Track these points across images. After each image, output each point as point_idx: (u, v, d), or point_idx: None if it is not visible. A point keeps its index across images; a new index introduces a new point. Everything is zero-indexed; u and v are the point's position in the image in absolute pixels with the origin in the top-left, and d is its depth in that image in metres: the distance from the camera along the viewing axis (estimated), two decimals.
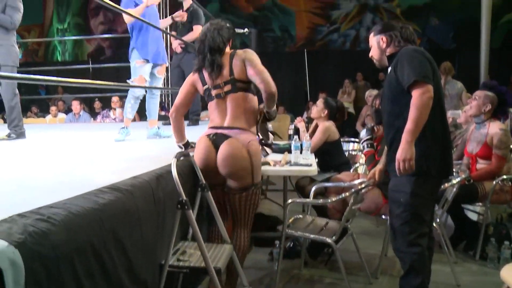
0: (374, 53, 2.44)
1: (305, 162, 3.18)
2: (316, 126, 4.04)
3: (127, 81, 4.08)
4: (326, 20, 11.18)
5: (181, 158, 2.06)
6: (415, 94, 2.07)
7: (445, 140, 2.28)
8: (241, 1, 11.49)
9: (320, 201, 3.22)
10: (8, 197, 1.64)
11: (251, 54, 2.46)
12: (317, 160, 3.74)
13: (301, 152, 3.25)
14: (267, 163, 3.06)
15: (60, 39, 12.64)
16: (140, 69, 3.98)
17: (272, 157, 3.35)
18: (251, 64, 2.40)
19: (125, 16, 3.85)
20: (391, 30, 2.36)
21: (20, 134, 4.05)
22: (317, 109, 4.01)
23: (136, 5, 3.93)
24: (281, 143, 4.16)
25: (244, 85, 2.42)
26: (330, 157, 3.89)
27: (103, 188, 1.58)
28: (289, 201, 2.98)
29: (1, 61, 3.88)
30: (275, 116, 2.55)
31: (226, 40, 2.49)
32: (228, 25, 2.57)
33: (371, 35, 2.44)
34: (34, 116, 8.28)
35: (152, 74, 4.09)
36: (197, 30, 5.05)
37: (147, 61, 3.99)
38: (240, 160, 2.36)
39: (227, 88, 2.41)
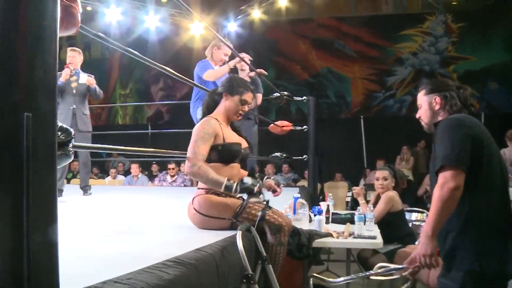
0: (424, 115, 2.11)
1: (369, 234, 3.06)
2: (379, 196, 3.87)
3: None
4: (381, 86, 11.14)
5: (244, 230, 1.98)
6: (438, 182, 1.82)
7: (507, 228, 1.88)
8: (297, 69, 11.71)
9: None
10: (68, 268, 1.59)
11: (195, 126, 2.50)
12: (379, 231, 3.58)
13: (364, 223, 3.14)
14: (330, 234, 2.96)
15: (122, 104, 13.30)
16: None
17: (334, 227, 3.25)
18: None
19: (208, 75, 4.30)
20: (447, 90, 2.04)
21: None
22: (386, 183, 3.80)
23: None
24: (342, 213, 4.05)
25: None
26: (394, 228, 3.67)
27: (167, 261, 1.50)
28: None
29: (85, 127, 4.72)
30: (253, 186, 2.34)
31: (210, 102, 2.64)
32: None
33: (421, 93, 2.12)
34: (95, 177, 8.54)
35: None
36: (258, 97, 5.12)
37: None
38: (193, 219, 2.42)
39: None
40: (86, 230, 2.51)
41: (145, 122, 12.91)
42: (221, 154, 2.44)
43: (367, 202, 3.92)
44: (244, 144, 2.62)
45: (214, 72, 4.37)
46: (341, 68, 11.40)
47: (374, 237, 2.99)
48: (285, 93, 5.38)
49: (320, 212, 3.24)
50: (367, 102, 11.18)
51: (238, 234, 1.77)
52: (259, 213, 2.27)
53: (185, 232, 2.34)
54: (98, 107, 13.50)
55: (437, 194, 1.80)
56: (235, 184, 2.30)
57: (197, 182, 2.54)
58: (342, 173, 8.81)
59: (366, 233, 3.07)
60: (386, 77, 11.12)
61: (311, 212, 3.43)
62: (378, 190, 3.88)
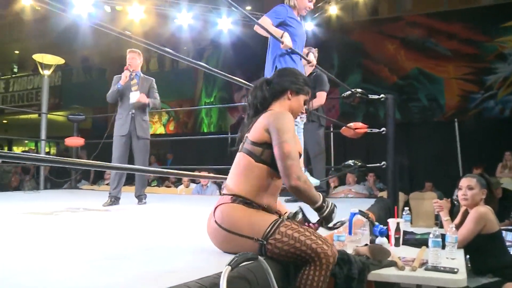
0: None
1: (449, 264, 2.34)
2: (466, 213, 3.14)
3: None
4: (480, 86, 10.00)
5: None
6: None
7: None
8: (384, 71, 10.97)
9: None
10: None
11: (278, 118, 1.98)
12: (468, 257, 2.90)
13: (443, 248, 2.45)
14: (393, 263, 2.31)
15: (205, 107, 13.67)
16: None
17: (405, 252, 2.58)
18: (275, 131, 1.96)
19: (262, 21, 3.46)
20: None
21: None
22: (472, 193, 3.04)
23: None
24: (421, 231, 3.24)
25: (255, 148, 1.98)
26: (487, 255, 2.88)
27: None
28: None
29: (144, 134, 4.60)
30: (328, 211, 1.96)
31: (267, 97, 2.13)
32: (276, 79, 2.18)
33: None
34: (172, 185, 8.54)
35: None
36: (321, 96, 4.66)
37: None
38: (213, 235, 1.97)
39: (241, 145, 2.08)
40: (80, 250, 2.28)
41: (228, 130, 12.90)
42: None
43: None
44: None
45: (267, 25, 3.42)
46: (433, 68, 10.45)
47: (455, 271, 2.22)
48: (359, 90, 4.85)
49: (382, 233, 2.65)
50: (463, 104, 10.09)
51: (224, 272, 1.36)
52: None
53: (200, 258, 1.96)
54: (184, 115, 14.04)
55: None
56: (331, 205, 1.99)
57: None
58: (432, 183, 7.95)
59: (445, 262, 2.37)
60: (485, 76, 9.95)
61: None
62: (462, 202, 3.21)
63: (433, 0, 10.82)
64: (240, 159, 2.01)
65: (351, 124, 5.03)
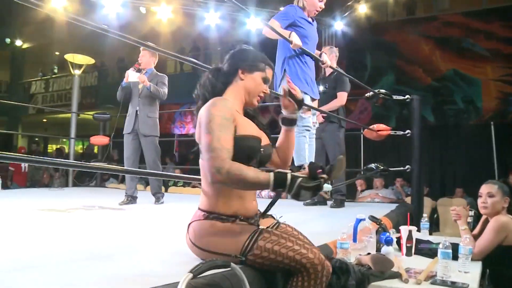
0: None
1: (460, 279, 2.15)
2: (486, 222, 2.97)
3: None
4: None
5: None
6: None
7: None
8: (418, 72, 10.61)
9: None
10: None
11: (204, 108, 1.78)
12: (488, 272, 2.69)
13: (456, 259, 2.28)
14: (397, 275, 2.15)
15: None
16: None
17: (414, 261, 2.43)
18: (200, 124, 1.78)
19: (271, 23, 3.36)
20: None
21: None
22: (492, 201, 2.90)
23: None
24: (438, 239, 2.93)
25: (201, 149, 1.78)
26: (508, 269, 2.73)
27: None
28: None
29: (149, 131, 4.46)
30: (294, 187, 1.58)
31: (216, 84, 1.92)
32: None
33: None
34: (198, 186, 8.51)
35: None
36: (342, 97, 4.52)
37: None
38: (192, 251, 1.81)
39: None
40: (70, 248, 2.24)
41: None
42: (233, 150, 1.73)
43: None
44: (265, 140, 1.94)
45: (276, 26, 3.28)
46: (470, 69, 10.01)
47: (464, 286, 2.05)
48: (382, 90, 4.67)
49: (388, 242, 2.47)
50: (502, 107, 9.61)
51: (184, 279, 1.25)
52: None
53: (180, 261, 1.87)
54: None
55: None
56: (299, 180, 1.56)
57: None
58: (464, 188, 7.60)
59: (456, 276, 2.18)
60: None
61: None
62: (481, 211, 3.02)
63: None
64: (201, 165, 1.81)
65: (374, 126, 4.85)
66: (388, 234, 2.56)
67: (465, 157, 8.92)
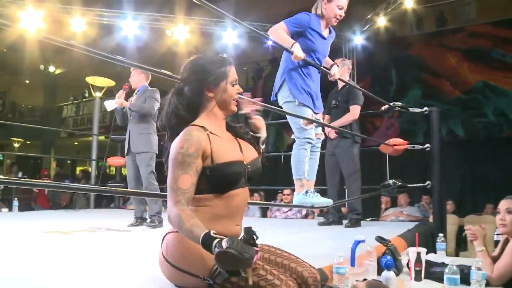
0: None
1: None
2: (506, 242, 2.70)
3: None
4: None
5: None
6: None
7: None
8: (446, 85, 10.26)
9: None
10: None
11: (173, 143, 1.67)
12: None
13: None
14: None
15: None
16: (303, 112, 3.13)
17: (424, 286, 2.26)
18: None
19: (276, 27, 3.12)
20: None
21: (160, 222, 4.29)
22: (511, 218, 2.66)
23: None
24: (461, 260, 2.83)
25: None
26: None
27: None
28: None
29: (141, 148, 4.35)
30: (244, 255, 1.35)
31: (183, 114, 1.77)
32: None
33: None
34: None
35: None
36: (355, 110, 4.34)
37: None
38: (161, 267, 1.71)
39: None
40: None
41: (285, 149, 12.60)
42: (212, 180, 1.65)
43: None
44: (251, 155, 1.81)
45: (280, 32, 3.08)
46: (501, 80, 9.60)
47: None
48: (398, 103, 4.46)
49: (389, 266, 2.25)
50: None
51: None
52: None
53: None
54: None
55: None
56: (220, 241, 1.37)
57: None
58: (494, 205, 7.19)
59: None
60: None
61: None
62: (500, 229, 2.76)
63: (500, 7, 10.02)
64: None
65: (390, 141, 4.63)
66: (389, 257, 2.34)
67: (497, 172, 8.49)
